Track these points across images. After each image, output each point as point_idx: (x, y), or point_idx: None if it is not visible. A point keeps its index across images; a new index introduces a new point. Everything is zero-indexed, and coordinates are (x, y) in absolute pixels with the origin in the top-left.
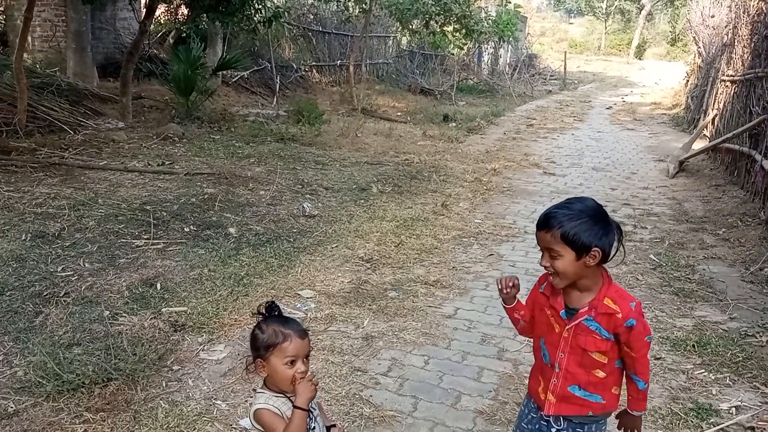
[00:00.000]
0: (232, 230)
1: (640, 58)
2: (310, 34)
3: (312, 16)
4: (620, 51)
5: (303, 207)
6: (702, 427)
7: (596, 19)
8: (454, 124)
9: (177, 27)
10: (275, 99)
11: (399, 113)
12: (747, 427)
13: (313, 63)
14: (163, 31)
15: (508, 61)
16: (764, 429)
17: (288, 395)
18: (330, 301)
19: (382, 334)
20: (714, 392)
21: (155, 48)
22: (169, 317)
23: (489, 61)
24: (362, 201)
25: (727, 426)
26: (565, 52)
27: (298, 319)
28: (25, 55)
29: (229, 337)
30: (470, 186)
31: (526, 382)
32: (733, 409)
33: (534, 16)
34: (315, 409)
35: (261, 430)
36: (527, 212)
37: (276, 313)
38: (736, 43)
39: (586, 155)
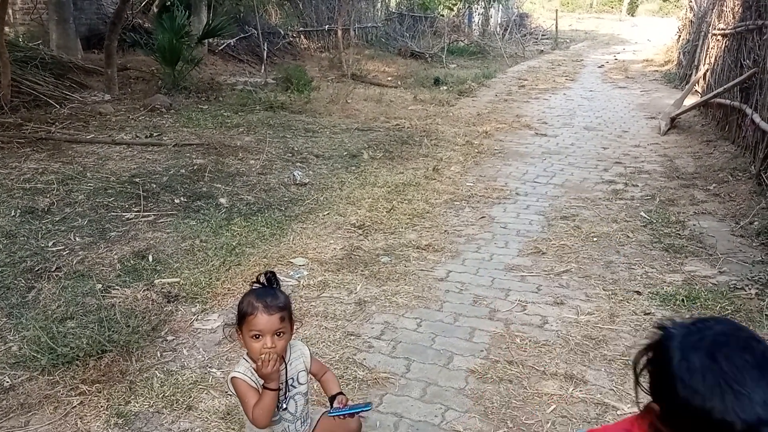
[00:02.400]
0: (222, 200)
1: (632, 15)
2: None
3: None
4: (612, 8)
5: (294, 175)
6: None
7: None
8: (445, 88)
9: None
10: (263, 66)
11: (389, 78)
12: None
13: (301, 29)
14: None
15: (499, 22)
16: None
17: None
18: (322, 267)
19: (374, 298)
20: None
21: (139, 17)
22: (162, 288)
23: (480, 22)
24: (353, 168)
25: None
26: (557, 10)
27: (284, 292)
28: (6, 28)
29: (222, 306)
30: (461, 149)
31: (517, 340)
32: None
33: None
34: (295, 387)
35: (234, 395)
36: (519, 174)
37: (274, 285)
38: None
39: (578, 115)
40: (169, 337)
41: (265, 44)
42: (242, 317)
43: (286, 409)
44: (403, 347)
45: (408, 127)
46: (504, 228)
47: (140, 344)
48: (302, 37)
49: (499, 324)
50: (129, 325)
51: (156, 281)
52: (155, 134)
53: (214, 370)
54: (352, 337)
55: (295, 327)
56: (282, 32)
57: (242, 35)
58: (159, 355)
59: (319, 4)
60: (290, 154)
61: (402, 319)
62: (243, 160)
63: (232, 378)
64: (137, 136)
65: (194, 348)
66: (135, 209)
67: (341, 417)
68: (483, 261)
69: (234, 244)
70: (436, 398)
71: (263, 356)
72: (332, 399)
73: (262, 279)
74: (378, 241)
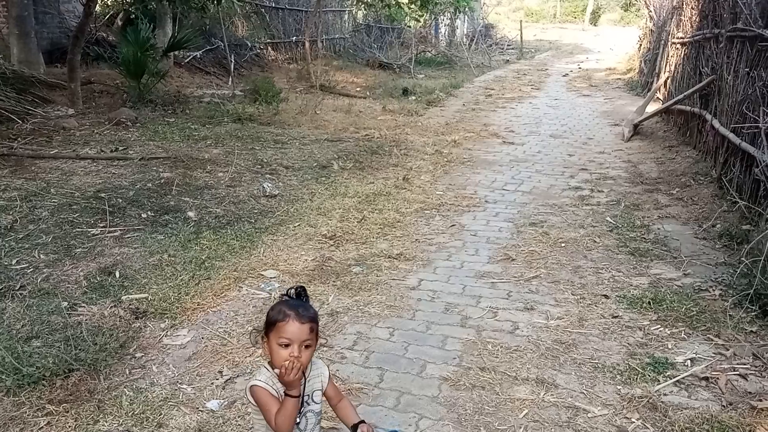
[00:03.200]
0: (191, 214)
1: (595, 25)
2: (263, 10)
3: None
4: (575, 18)
5: (263, 187)
6: (659, 381)
7: None
8: (413, 98)
9: (125, 8)
10: (230, 78)
11: (358, 88)
12: (702, 378)
13: (268, 40)
14: (111, 12)
15: (465, 32)
16: (718, 378)
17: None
18: (294, 279)
19: (347, 309)
20: (670, 346)
21: (103, 31)
22: (130, 305)
23: (446, 32)
24: (323, 178)
25: (683, 377)
26: (521, 21)
27: (313, 307)
28: None
29: (192, 321)
30: (431, 158)
31: (489, 347)
32: (688, 361)
33: None
34: (309, 404)
35: (253, 404)
36: (487, 182)
37: (303, 299)
38: (684, 6)
39: (544, 123)
40: (138, 354)
41: (232, 56)
42: (272, 323)
43: (298, 424)
44: (376, 357)
45: (377, 137)
46: (474, 236)
47: (108, 362)
48: (270, 48)
49: (470, 331)
50: (96, 343)
51: (123, 297)
52: (121, 148)
53: (184, 386)
54: (325, 349)
55: (319, 343)
56: (249, 44)
57: (209, 47)
58: (128, 372)
59: (286, 16)
60: (259, 166)
61: (374, 329)
62: (211, 172)
63: (252, 386)
64: (102, 151)
65: (164, 364)
66: (101, 225)
67: None
68: (454, 269)
69: (203, 257)
70: (409, 407)
71: (287, 363)
72: (354, 428)
73: (292, 293)
74: (349, 251)
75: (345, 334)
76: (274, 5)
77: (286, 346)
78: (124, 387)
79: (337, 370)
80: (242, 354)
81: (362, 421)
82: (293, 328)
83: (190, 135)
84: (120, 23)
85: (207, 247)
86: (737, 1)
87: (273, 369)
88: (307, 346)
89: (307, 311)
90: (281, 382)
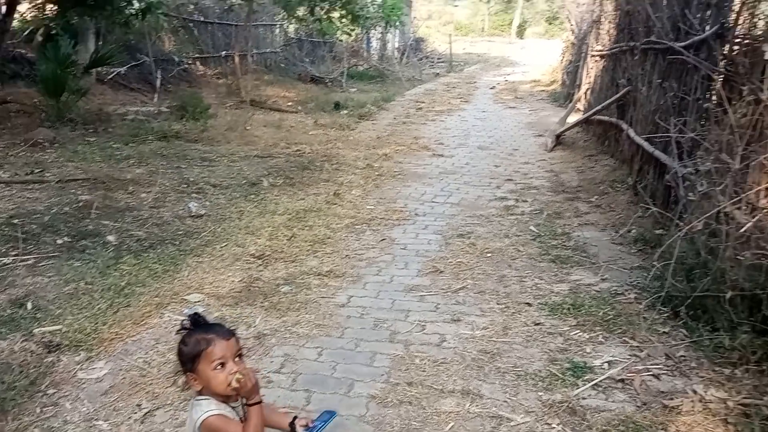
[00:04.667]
0: (111, 238)
1: (521, 38)
2: (191, 25)
3: (192, 6)
4: (503, 31)
5: (189, 207)
6: (578, 385)
7: (479, 0)
8: (345, 112)
9: (45, 24)
10: (156, 94)
11: (289, 103)
12: (618, 380)
13: (197, 55)
14: (30, 28)
15: (396, 46)
16: (633, 379)
17: (230, 405)
18: (219, 302)
19: (274, 330)
20: (588, 350)
21: (21, 47)
22: (42, 338)
23: (378, 46)
24: (253, 196)
25: (600, 380)
26: (450, 34)
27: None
28: None
29: (109, 352)
30: (362, 173)
31: (416, 361)
32: (606, 364)
33: (420, 0)
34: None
35: None
36: (417, 195)
37: (202, 323)
38: (602, 20)
39: (472, 135)
40: (50, 391)
41: (159, 72)
42: (196, 356)
43: None
44: (304, 379)
45: (309, 153)
46: (404, 249)
47: (17, 401)
48: (198, 63)
49: (399, 346)
50: (4, 382)
51: (35, 330)
52: (36, 171)
53: (100, 422)
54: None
55: None
56: (176, 59)
57: (134, 63)
58: (38, 411)
59: (215, 30)
60: (185, 185)
61: (302, 350)
62: (134, 193)
63: (206, 420)
64: (16, 174)
65: (78, 400)
66: (12, 253)
67: None
68: (384, 283)
69: (123, 284)
70: (337, 428)
71: (238, 376)
72: (292, 425)
73: (187, 324)
74: (278, 270)
75: (272, 356)
76: (202, 19)
77: (222, 365)
78: (35, 427)
79: (264, 395)
80: (163, 385)
81: (295, 416)
82: (222, 347)
83: (112, 155)
84: (40, 39)
85: (127, 272)
86: (650, 16)
87: (216, 395)
88: (240, 357)
89: (222, 327)
90: (243, 395)
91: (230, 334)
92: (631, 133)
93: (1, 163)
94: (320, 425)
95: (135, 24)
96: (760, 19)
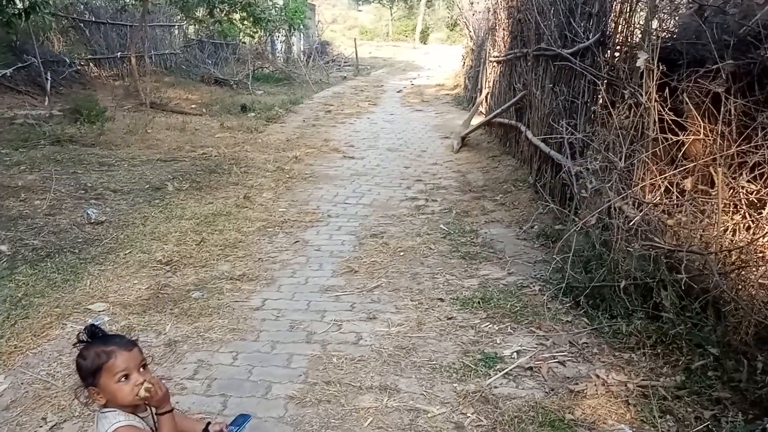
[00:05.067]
0: (3, 248)
1: (425, 43)
2: (82, 25)
3: (82, 6)
4: (407, 36)
5: (87, 214)
6: (490, 375)
7: (383, 5)
8: (252, 114)
9: None
10: (47, 98)
11: (193, 105)
12: (527, 368)
13: (90, 56)
14: None
15: (302, 49)
16: (541, 367)
17: (138, 414)
18: (126, 311)
19: (186, 337)
20: (498, 341)
21: None
22: None
23: (283, 49)
24: (157, 201)
25: (510, 369)
26: (355, 39)
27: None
28: None
29: (9, 366)
30: (273, 175)
31: (334, 360)
32: (515, 353)
33: (324, 4)
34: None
35: None
36: (330, 196)
37: (100, 335)
38: (497, 27)
39: (382, 137)
40: None
41: (48, 73)
42: (97, 370)
43: None
44: (219, 384)
45: (216, 156)
46: (318, 250)
47: None
48: (92, 65)
49: (316, 346)
50: None
51: None
52: None
53: None
54: (163, 381)
55: None
56: (68, 60)
57: (20, 65)
58: None
59: (108, 31)
60: (83, 191)
61: (217, 355)
62: (26, 201)
63: (115, 431)
64: None
65: None
66: None
67: None
68: (298, 285)
69: (20, 295)
70: (255, 431)
71: (147, 386)
72: (206, 431)
73: (83, 336)
74: (188, 276)
75: (185, 363)
76: (93, 19)
77: (126, 377)
78: None
79: (177, 402)
80: (69, 397)
81: (209, 422)
82: (124, 359)
83: (1, 161)
84: None
85: (24, 283)
86: (539, 24)
87: (123, 407)
88: (145, 366)
89: (123, 338)
90: (153, 404)
91: (132, 344)
92: (529, 134)
93: None
94: (235, 429)
95: (19, 24)
96: (636, 28)
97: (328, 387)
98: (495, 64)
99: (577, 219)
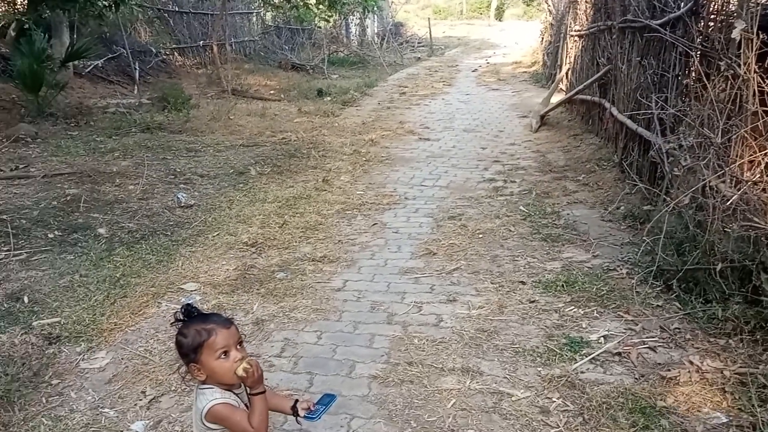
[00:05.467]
0: (101, 231)
1: (500, 20)
2: (167, 15)
3: None
4: (481, 14)
5: (178, 198)
6: (576, 359)
7: None
8: (328, 98)
9: (17, 18)
10: (136, 87)
11: (272, 91)
12: (615, 353)
13: (174, 46)
14: (2, 23)
15: (375, 31)
16: (630, 352)
17: (234, 391)
18: (216, 290)
19: (272, 316)
20: (584, 326)
21: None
22: (42, 330)
23: (357, 32)
24: (241, 185)
25: (598, 354)
26: (429, 18)
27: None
28: None
29: (110, 342)
30: (350, 159)
31: (415, 341)
32: (602, 338)
33: None
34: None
35: (213, 429)
36: (406, 179)
37: (195, 314)
38: (579, 0)
39: (457, 118)
40: (54, 381)
41: (137, 63)
42: (198, 347)
43: None
44: (305, 362)
45: (294, 140)
46: (396, 233)
47: (22, 392)
48: (176, 54)
49: (397, 327)
50: (8, 374)
51: (34, 323)
52: (21, 166)
53: (106, 409)
54: (253, 358)
55: None
56: (154, 50)
57: (111, 55)
58: (44, 401)
59: (191, 20)
60: (172, 176)
61: (302, 334)
62: (121, 186)
63: (212, 408)
64: (1, 170)
65: (82, 389)
66: (4, 248)
67: (318, 419)
68: (378, 267)
69: (118, 275)
70: (341, 408)
71: (244, 366)
72: (294, 408)
73: (180, 315)
74: (272, 257)
75: (272, 341)
76: (177, 9)
77: (226, 354)
78: (42, 416)
79: (266, 379)
80: (165, 372)
81: (297, 399)
82: (223, 336)
83: (96, 148)
84: (13, 34)
85: (121, 264)
86: None
87: (220, 384)
88: (242, 344)
89: (220, 316)
90: (248, 385)
91: (229, 322)
92: (614, 111)
93: None
94: (322, 408)
95: (109, 16)
96: None
97: (410, 368)
98: (576, 38)
99: (668, 199)
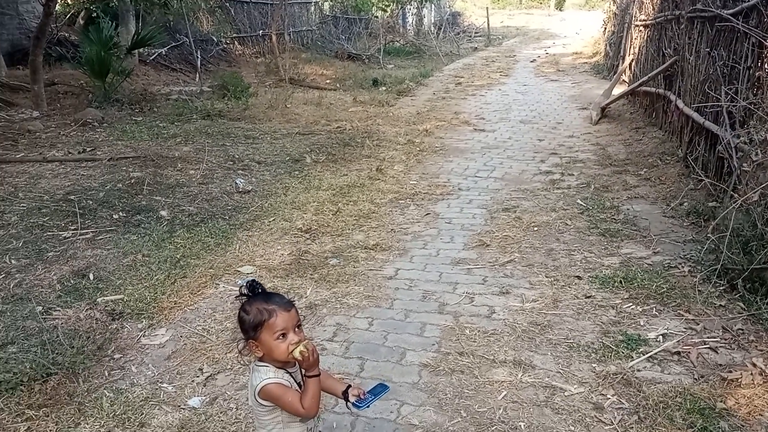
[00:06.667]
0: (163, 213)
1: (560, 9)
2: (228, 4)
3: None
4: (541, 3)
5: (236, 183)
6: (632, 357)
7: None
8: (383, 88)
9: (86, 6)
10: (197, 74)
11: (328, 81)
12: (674, 352)
13: (234, 35)
14: (72, 11)
15: (432, 21)
16: (689, 352)
17: (288, 370)
18: (271, 274)
19: (325, 301)
20: (642, 323)
21: (64, 30)
22: (106, 306)
23: (414, 22)
24: (297, 172)
25: (656, 353)
26: (487, 8)
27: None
28: None
29: (169, 320)
30: (403, 148)
31: (467, 331)
32: (660, 337)
33: None
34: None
35: (266, 405)
36: (460, 169)
37: (260, 291)
38: None
39: (514, 109)
40: (117, 355)
41: (198, 52)
42: (259, 325)
43: None
44: (356, 347)
45: (349, 129)
46: (449, 223)
47: (86, 364)
48: (236, 43)
49: (448, 317)
50: (73, 346)
51: (99, 299)
52: (88, 149)
53: (165, 384)
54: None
55: None
56: (215, 39)
57: (174, 44)
58: (107, 374)
59: (251, 10)
60: (231, 162)
61: (353, 320)
62: (182, 170)
63: (265, 386)
64: (69, 153)
65: (143, 364)
66: (72, 227)
67: (367, 407)
68: (430, 257)
69: (178, 256)
70: (390, 394)
71: (300, 349)
72: (345, 393)
73: (245, 290)
74: (326, 244)
75: (324, 326)
76: None
77: (284, 336)
78: (104, 389)
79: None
80: (222, 351)
81: (349, 385)
82: (283, 318)
83: (159, 133)
84: (82, 22)
85: (181, 245)
86: None
87: (274, 363)
88: (300, 327)
89: (283, 298)
90: (304, 367)
91: (290, 305)
92: (680, 103)
93: (54, 143)
94: (371, 398)
95: (173, 5)
96: None
97: (461, 358)
98: (641, 28)
99: (735, 195)
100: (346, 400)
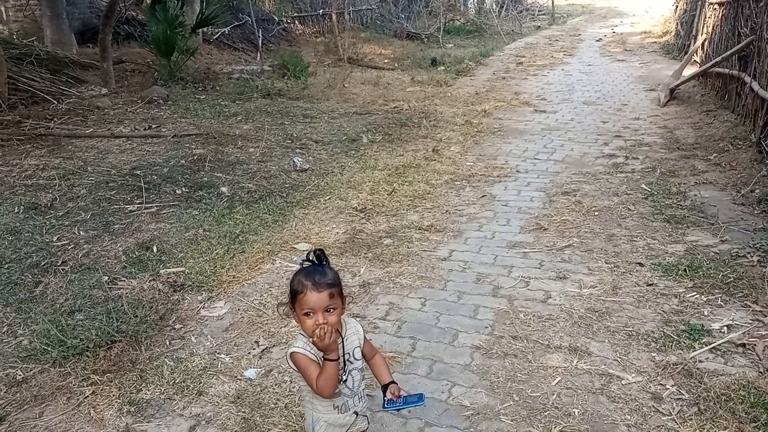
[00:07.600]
0: (224, 189)
1: None
2: None
3: None
4: None
5: (294, 161)
6: (694, 347)
7: None
8: (442, 68)
9: None
10: (259, 54)
11: (386, 60)
12: (738, 344)
13: (295, 14)
14: None
15: None
16: (755, 344)
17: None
18: (326, 252)
19: (378, 280)
20: (706, 313)
21: (132, 9)
22: (168, 278)
23: (475, 0)
24: (353, 152)
25: (719, 344)
26: None
27: (334, 269)
28: (0, 26)
29: (228, 293)
30: (461, 129)
31: (521, 315)
32: (725, 327)
33: None
34: (351, 362)
35: (295, 370)
36: (519, 151)
37: (324, 262)
38: None
39: (577, 90)
40: (177, 326)
41: (260, 31)
42: (294, 295)
43: (345, 382)
44: (409, 327)
45: (406, 109)
46: (505, 206)
47: (149, 333)
48: (297, 22)
49: (502, 300)
50: (137, 315)
51: (161, 271)
52: (154, 126)
53: (222, 355)
54: (358, 319)
55: (347, 301)
56: (276, 18)
57: (236, 23)
58: (168, 343)
59: None
60: (289, 141)
61: (406, 300)
62: (242, 148)
63: (291, 353)
64: (136, 129)
65: (202, 335)
66: (137, 201)
67: (396, 411)
68: (485, 239)
69: (237, 232)
70: (442, 375)
71: (317, 331)
72: (384, 388)
73: (312, 257)
74: (380, 223)
75: (377, 304)
76: None
77: (310, 314)
78: (165, 357)
79: (370, 339)
80: (277, 325)
81: (393, 382)
82: (312, 298)
83: (221, 111)
84: (149, 2)
85: (240, 221)
86: None
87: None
88: (330, 311)
89: (324, 277)
90: (318, 348)
91: (326, 287)
92: (755, 86)
93: (122, 119)
94: (401, 404)
95: None
96: None
97: (514, 341)
98: (716, 6)
99: None
100: (383, 393)
